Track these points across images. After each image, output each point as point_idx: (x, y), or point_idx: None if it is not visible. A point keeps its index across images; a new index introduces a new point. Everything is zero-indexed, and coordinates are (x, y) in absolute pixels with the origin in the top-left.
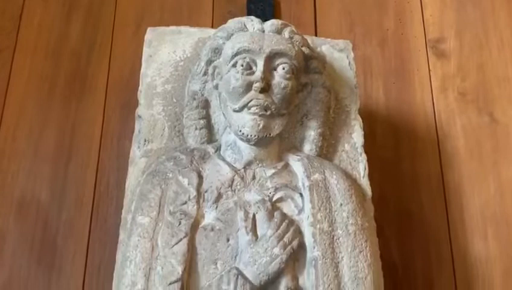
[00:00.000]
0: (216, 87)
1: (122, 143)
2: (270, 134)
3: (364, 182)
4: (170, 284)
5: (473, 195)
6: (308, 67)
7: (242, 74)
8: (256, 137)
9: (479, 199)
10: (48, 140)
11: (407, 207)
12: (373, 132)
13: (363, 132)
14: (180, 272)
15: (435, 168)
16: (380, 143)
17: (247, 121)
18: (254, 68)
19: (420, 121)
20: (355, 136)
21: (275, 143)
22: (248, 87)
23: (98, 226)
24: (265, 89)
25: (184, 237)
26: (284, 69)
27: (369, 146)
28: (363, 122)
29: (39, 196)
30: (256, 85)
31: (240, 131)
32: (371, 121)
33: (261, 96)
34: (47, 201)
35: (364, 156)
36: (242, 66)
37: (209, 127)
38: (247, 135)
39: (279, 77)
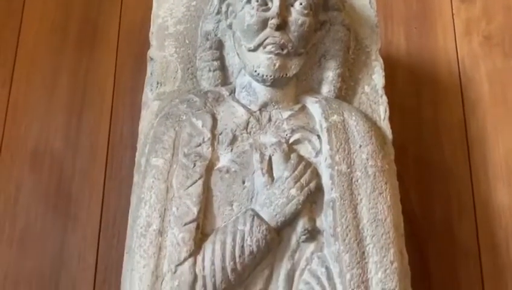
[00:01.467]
0: (230, 26)
1: (135, 92)
2: (286, 74)
3: (385, 125)
4: (185, 224)
5: (497, 142)
6: (326, 4)
7: (257, 10)
8: (272, 77)
9: (503, 146)
10: (60, 90)
11: (428, 156)
12: (394, 78)
13: (383, 73)
14: (196, 213)
15: (458, 115)
16: (401, 90)
17: (263, 61)
18: (270, 4)
19: (443, 67)
20: (375, 77)
21: (292, 84)
22: (263, 24)
23: (112, 175)
24: (282, 26)
25: (199, 178)
26: (301, 4)
27: (390, 93)
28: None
29: (53, 145)
30: (272, 22)
31: (255, 71)
32: (392, 68)
33: (277, 34)
34: (61, 151)
35: (385, 98)
36: (257, 1)
37: (223, 69)
38: (263, 75)
39: (297, 13)
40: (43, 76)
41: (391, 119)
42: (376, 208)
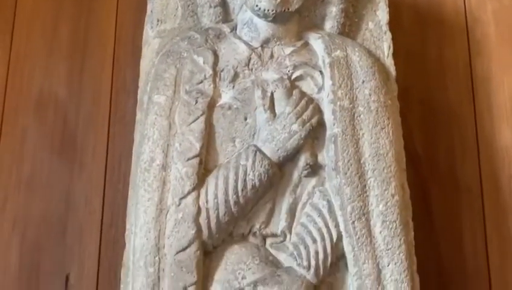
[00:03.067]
0: None
1: (137, 36)
2: (288, 8)
3: (389, 62)
4: (189, 159)
5: (502, 83)
6: None
7: None
8: (273, 12)
9: (509, 87)
10: (62, 37)
11: (432, 97)
12: (398, 18)
13: (388, 9)
14: (199, 148)
15: (463, 55)
16: (406, 30)
17: None
18: None
19: (448, 6)
20: (379, 13)
21: (294, 20)
22: None
23: (116, 120)
24: None
25: (201, 115)
26: None
27: (395, 34)
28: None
29: (57, 93)
30: None
31: (257, 6)
32: (397, 8)
33: None
34: (65, 98)
35: (389, 34)
36: None
37: (223, 5)
38: (264, 10)
39: None
40: (44, 24)
41: (395, 60)
42: (378, 143)
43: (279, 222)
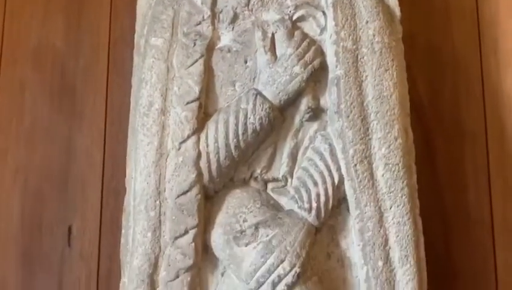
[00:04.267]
0: None
1: None
2: None
3: (393, 3)
4: (188, 103)
5: (510, 28)
6: None
7: None
8: None
9: None
10: None
11: (437, 43)
12: None
13: None
14: (198, 92)
15: (470, 0)
16: None
17: None
18: None
19: None
20: None
21: None
22: None
23: (115, 70)
24: None
25: (200, 57)
26: None
27: None
28: None
29: (54, 44)
30: None
31: None
32: None
33: None
34: (63, 49)
35: None
36: None
37: None
38: None
39: None
40: None
41: (400, 6)
42: (381, 85)
43: (281, 167)
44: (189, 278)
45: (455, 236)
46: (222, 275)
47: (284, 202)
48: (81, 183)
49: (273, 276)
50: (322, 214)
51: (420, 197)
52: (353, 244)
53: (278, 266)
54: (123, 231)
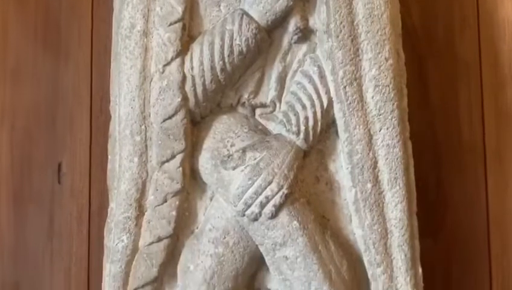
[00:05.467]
0: None
1: None
2: None
3: None
4: (171, 24)
5: None
6: None
7: None
8: None
9: None
10: None
11: None
12: None
13: None
14: (181, 12)
15: None
16: None
17: None
18: None
19: None
20: None
21: None
22: None
23: (100, 3)
24: None
25: None
26: None
27: None
28: None
29: None
30: None
31: None
32: None
33: None
34: None
35: None
36: None
37: None
38: None
39: None
40: None
41: None
42: (372, 3)
43: (269, 92)
44: (177, 203)
45: (446, 164)
46: (211, 199)
47: (272, 127)
48: (69, 120)
49: (261, 197)
50: (311, 138)
51: (410, 123)
52: (342, 167)
53: (266, 187)
54: (109, 157)
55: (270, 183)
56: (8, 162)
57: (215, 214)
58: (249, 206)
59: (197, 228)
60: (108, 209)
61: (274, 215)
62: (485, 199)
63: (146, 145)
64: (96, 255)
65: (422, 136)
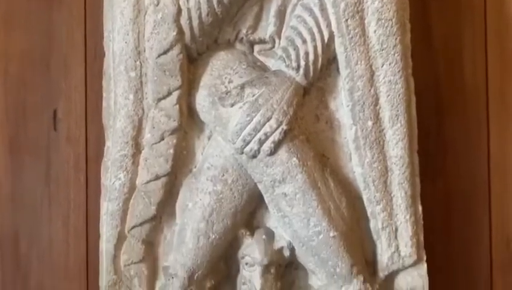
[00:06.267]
0: None
1: None
2: None
3: None
4: None
5: None
6: None
7: None
8: None
9: None
10: None
11: None
12: None
13: None
14: None
15: None
16: None
17: None
18: None
19: None
20: None
21: None
22: None
23: None
24: None
25: None
26: None
27: None
28: None
29: None
30: None
31: None
32: None
33: None
34: None
35: None
36: None
37: None
38: None
39: None
40: None
41: None
42: None
43: (267, 27)
44: (174, 141)
45: (448, 107)
46: (209, 139)
47: (271, 64)
48: (64, 66)
49: (260, 134)
50: (311, 73)
51: (414, 69)
52: (342, 105)
53: (265, 123)
54: (104, 95)
55: (269, 119)
56: (3, 110)
57: (214, 152)
58: (248, 143)
59: (195, 167)
60: (105, 148)
61: (273, 152)
62: (487, 143)
63: (141, 82)
64: (94, 202)
65: (423, 78)
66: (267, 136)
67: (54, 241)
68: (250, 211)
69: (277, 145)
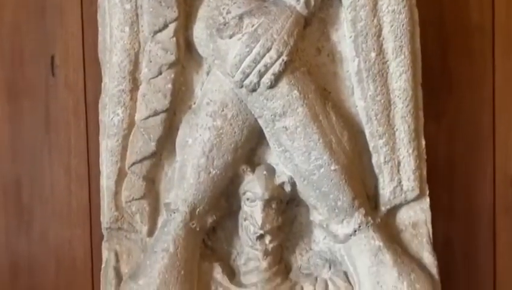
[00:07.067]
0: None
1: None
2: None
3: None
4: None
5: None
6: None
7: None
8: None
9: None
10: None
11: None
12: None
13: None
14: None
15: None
16: None
17: None
18: None
19: None
20: None
21: None
22: None
23: None
24: None
25: None
26: None
27: None
28: None
29: None
30: None
31: None
32: None
33: None
34: None
35: None
36: None
37: None
38: None
39: None
40: None
41: None
42: None
43: None
44: (172, 75)
45: (453, 44)
46: (207, 74)
47: None
48: (60, 11)
49: (260, 66)
50: (312, 2)
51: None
52: (344, 37)
53: (264, 54)
54: (100, 29)
55: (268, 50)
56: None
57: (213, 87)
58: (247, 75)
59: (194, 103)
60: (102, 85)
61: (273, 85)
62: (492, 82)
63: (137, 14)
64: (95, 148)
65: (427, 12)
66: (267, 68)
67: (56, 188)
68: (250, 148)
69: (277, 77)
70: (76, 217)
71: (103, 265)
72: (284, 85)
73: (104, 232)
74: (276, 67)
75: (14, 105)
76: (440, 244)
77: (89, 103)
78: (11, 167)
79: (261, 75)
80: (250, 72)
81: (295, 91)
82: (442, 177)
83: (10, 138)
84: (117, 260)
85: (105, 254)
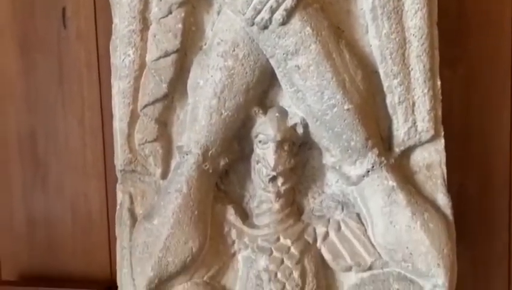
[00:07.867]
0: None
1: None
2: None
3: None
4: None
5: None
6: None
7: None
8: None
9: None
10: None
11: None
12: None
13: None
14: None
15: None
16: None
17: None
18: None
19: None
20: None
21: None
22: None
23: None
24: None
25: None
26: None
27: None
28: None
29: None
30: None
31: None
32: None
33: None
34: None
35: None
36: None
37: None
38: None
39: None
40: None
41: None
42: None
43: None
44: (183, 14)
45: None
46: (218, 14)
47: None
48: None
49: (271, 1)
50: None
51: None
52: None
53: None
54: None
55: None
56: (10, 11)
57: (223, 27)
58: (259, 12)
59: (205, 44)
60: (112, 26)
61: (285, 21)
62: (510, 30)
63: None
64: (107, 99)
65: None
66: (278, 3)
67: (71, 140)
68: (262, 90)
69: (289, 13)
70: (92, 169)
71: (118, 207)
72: (296, 21)
73: (118, 174)
74: (288, 3)
75: (27, 59)
76: (455, 191)
77: (101, 54)
78: (26, 119)
79: (272, 11)
80: (262, 8)
81: (308, 28)
82: (457, 125)
83: (24, 91)
84: (131, 202)
85: (119, 196)
